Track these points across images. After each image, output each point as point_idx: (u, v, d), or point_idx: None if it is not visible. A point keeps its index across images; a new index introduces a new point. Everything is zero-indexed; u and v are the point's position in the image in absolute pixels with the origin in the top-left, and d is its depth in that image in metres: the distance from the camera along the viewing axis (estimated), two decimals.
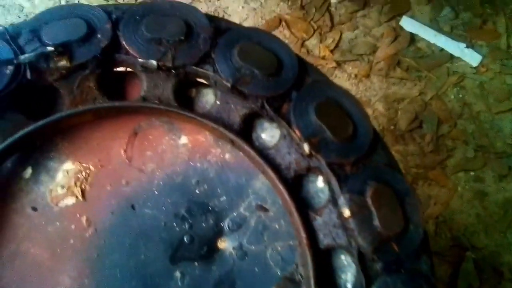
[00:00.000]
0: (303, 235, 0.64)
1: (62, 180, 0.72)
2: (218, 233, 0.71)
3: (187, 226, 0.71)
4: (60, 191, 0.71)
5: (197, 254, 0.70)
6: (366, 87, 1.69)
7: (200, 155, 0.74)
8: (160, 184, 0.73)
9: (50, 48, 0.67)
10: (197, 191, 0.72)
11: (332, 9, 1.80)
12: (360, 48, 1.73)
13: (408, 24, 1.78)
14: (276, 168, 0.68)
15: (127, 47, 0.70)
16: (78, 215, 0.71)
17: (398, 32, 1.78)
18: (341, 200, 0.64)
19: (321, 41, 1.73)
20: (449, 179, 1.66)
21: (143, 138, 0.75)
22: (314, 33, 1.73)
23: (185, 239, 0.71)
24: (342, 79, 1.66)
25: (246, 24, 1.75)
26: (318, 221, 0.66)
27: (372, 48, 1.75)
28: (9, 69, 0.68)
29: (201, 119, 0.69)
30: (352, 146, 0.67)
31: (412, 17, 1.80)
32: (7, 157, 0.69)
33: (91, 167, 0.73)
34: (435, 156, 1.66)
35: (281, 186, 0.66)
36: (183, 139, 0.74)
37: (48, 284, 0.68)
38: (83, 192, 0.72)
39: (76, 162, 0.73)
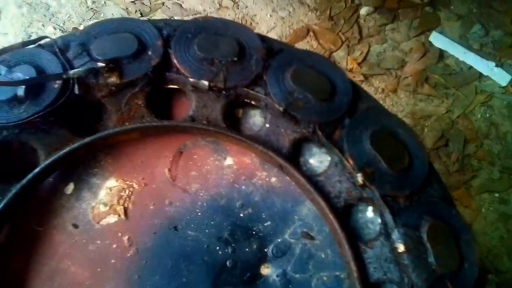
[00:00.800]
0: (354, 267, 0.62)
1: (104, 198, 0.70)
2: (262, 258, 0.69)
3: (230, 250, 0.70)
4: (102, 208, 0.70)
5: (239, 279, 0.68)
6: (393, 102, 1.66)
7: (245, 178, 0.72)
8: (203, 205, 0.71)
9: (101, 64, 0.66)
10: (241, 215, 0.71)
11: (361, 21, 1.78)
12: (388, 62, 1.71)
13: (437, 40, 1.76)
14: (325, 196, 0.66)
15: (178, 66, 0.68)
16: (119, 234, 0.69)
17: (427, 47, 1.75)
18: (395, 234, 0.62)
19: (348, 54, 1.71)
20: (473, 200, 1.63)
21: (188, 157, 0.73)
22: (342, 45, 1.71)
23: (227, 263, 0.69)
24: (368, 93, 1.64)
25: (273, 32, 1.73)
26: (369, 253, 0.64)
27: (400, 62, 1.72)
28: (58, 83, 0.67)
29: (251, 143, 0.67)
30: (407, 178, 0.65)
31: (441, 33, 1.77)
32: (51, 172, 0.68)
33: (134, 185, 0.71)
34: (460, 176, 1.64)
35: (330, 215, 0.64)
36: (229, 160, 0.73)
37: None
38: (125, 211, 0.70)
39: (119, 180, 0.71)
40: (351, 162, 0.65)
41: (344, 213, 0.67)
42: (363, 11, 1.79)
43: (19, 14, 1.80)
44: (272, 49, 0.71)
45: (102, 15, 1.78)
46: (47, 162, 0.66)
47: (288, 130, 0.68)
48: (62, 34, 1.76)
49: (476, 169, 1.65)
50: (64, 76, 0.66)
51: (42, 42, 0.71)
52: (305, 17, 1.77)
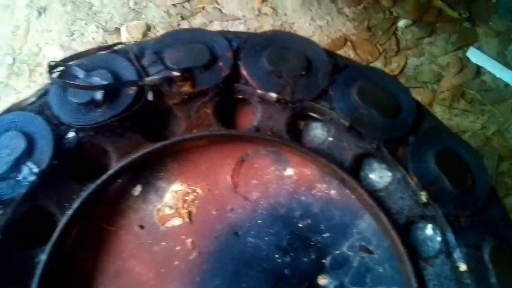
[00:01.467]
0: (414, 284, 0.64)
1: (170, 201, 0.73)
2: (319, 269, 0.71)
3: (288, 258, 0.71)
4: (167, 211, 0.73)
5: None
6: None
7: (305, 189, 0.74)
8: (263, 213, 0.73)
9: (176, 73, 0.69)
10: (300, 225, 0.73)
11: (399, 33, 1.79)
12: (425, 76, 1.71)
13: (474, 55, 1.75)
14: (387, 211, 0.68)
15: (247, 78, 0.71)
16: (183, 237, 0.72)
17: (464, 63, 1.75)
18: (457, 253, 0.63)
19: (385, 65, 1.71)
20: None
21: (250, 166, 0.75)
22: (379, 56, 1.71)
23: (285, 271, 0.71)
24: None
25: None
26: (429, 270, 0.65)
27: (437, 76, 1.73)
28: (133, 89, 0.69)
29: (314, 155, 0.69)
30: (469, 198, 0.66)
31: (479, 48, 1.77)
32: (122, 174, 0.71)
33: (198, 190, 0.74)
34: None
35: (392, 231, 0.66)
36: (289, 171, 0.75)
37: None
38: (190, 214, 0.73)
39: (184, 184, 0.74)
40: (415, 180, 0.66)
41: (405, 230, 0.68)
42: (401, 23, 1.80)
43: (63, 12, 1.85)
44: (338, 65, 0.73)
45: (143, 16, 1.82)
46: (120, 165, 0.69)
47: (352, 145, 0.70)
48: (104, 33, 1.81)
49: (509, 187, 1.64)
50: (141, 83, 0.68)
51: (116, 47, 0.74)
52: (343, 27, 1.79)
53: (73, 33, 1.82)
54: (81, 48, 1.77)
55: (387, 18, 1.81)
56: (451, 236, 0.64)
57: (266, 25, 1.77)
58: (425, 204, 0.66)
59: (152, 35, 1.77)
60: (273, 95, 0.70)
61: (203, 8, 1.82)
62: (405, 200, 0.68)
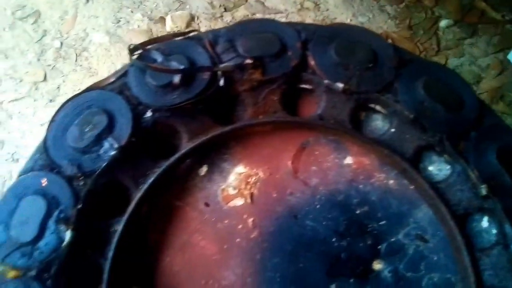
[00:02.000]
0: (471, 272, 0.66)
1: (233, 182, 0.77)
2: (375, 255, 0.74)
3: (345, 243, 0.74)
4: (231, 191, 0.76)
5: (352, 271, 0.73)
6: None
7: (363, 177, 0.77)
8: (322, 199, 0.76)
9: (248, 61, 0.72)
10: (358, 212, 0.76)
11: (440, 33, 1.78)
12: (465, 76, 1.70)
13: None
14: (445, 202, 0.70)
15: (315, 68, 0.74)
16: (245, 216, 0.75)
17: (504, 65, 1.74)
18: None
19: None
20: None
21: (310, 153, 0.78)
22: (419, 54, 1.72)
23: (342, 255, 0.74)
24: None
25: None
26: (485, 260, 0.68)
27: (476, 77, 1.72)
28: (207, 75, 0.73)
29: (377, 146, 0.72)
30: None
31: None
32: (192, 155, 0.75)
33: (260, 173, 0.77)
34: None
35: (450, 222, 0.68)
36: (348, 159, 0.78)
37: (215, 277, 0.73)
38: (252, 196, 0.76)
39: (247, 167, 0.77)
40: (476, 173, 0.68)
41: (462, 221, 0.70)
42: (442, 23, 1.80)
43: None
44: (403, 59, 0.75)
45: (187, 6, 1.86)
46: (191, 145, 0.73)
47: (414, 137, 0.73)
48: (149, 21, 1.86)
49: None
50: (215, 69, 0.72)
51: (191, 34, 0.78)
52: (384, 24, 1.79)
53: (119, 20, 1.87)
54: (126, 36, 1.83)
55: (429, 18, 1.81)
56: (509, 229, 0.67)
57: (308, 19, 1.79)
58: (484, 197, 0.68)
59: (195, 25, 1.81)
60: (340, 85, 0.72)
61: (246, 0, 1.85)
62: (464, 192, 0.70)
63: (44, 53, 1.85)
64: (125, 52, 1.70)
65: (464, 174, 0.70)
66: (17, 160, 1.70)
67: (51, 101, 1.79)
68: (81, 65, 1.85)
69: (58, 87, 1.81)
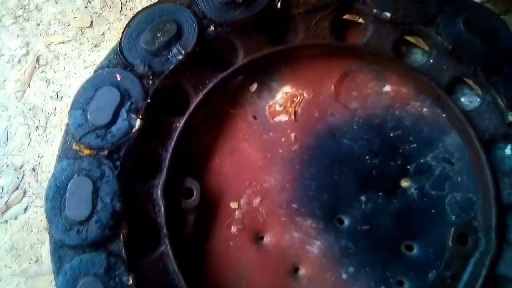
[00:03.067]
0: (492, 189, 0.73)
1: (280, 100, 0.85)
2: (403, 173, 0.81)
3: (377, 161, 0.82)
4: (277, 108, 0.85)
5: (382, 186, 0.81)
6: None
7: (399, 104, 0.84)
8: (360, 121, 0.84)
9: None
10: (391, 135, 0.83)
11: None
12: None
13: None
14: (474, 128, 0.77)
15: None
16: (288, 131, 0.84)
17: None
18: None
19: None
20: None
21: (352, 80, 0.86)
22: None
23: (373, 172, 0.82)
24: None
25: None
26: (505, 181, 0.75)
27: None
28: None
29: (416, 74, 0.79)
30: None
31: None
32: (245, 70, 0.83)
33: (305, 94, 0.85)
34: None
35: (477, 145, 0.75)
36: (387, 88, 0.85)
37: (257, 179, 0.81)
38: (295, 113, 0.84)
39: (294, 88, 0.85)
40: (505, 101, 0.75)
41: (487, 146, 0.77)
42: None
43: None
44: None
45: None
46: (246, 60, 0.81)
47: (450, 68, 0.79)
48: None
49: None
50: None
51: None
52: None
53: None
54: None
55: None
56: None
57: None
58: (510, 124, 0.75)
59: None
60: (388, 14, 0.79)
61: None
62: (491, 120, 0.77)
63: (91, 1, 1.95)
64: None
65: (493, 103, 0.77)
66: (61, 98, 1.80)
67: (95, 46, 1.89)
68: (125, 15, 1.94)
69: (103, 34, 1.90)
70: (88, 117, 0.74)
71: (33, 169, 1.35)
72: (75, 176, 0.71)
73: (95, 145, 0.73)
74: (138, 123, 0.74)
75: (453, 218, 0.78)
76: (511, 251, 0.71)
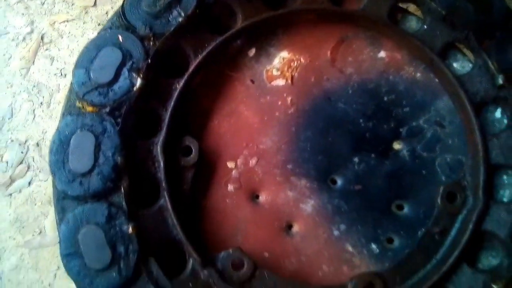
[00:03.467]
0: (481, 149, 0.76)
1: (277, 64, 0.87)
2: (396, 136, 0.84)
3: (370, 124, 0.84)
4: (275, 72, 0.87)
5: (375, 149, 0.83)
6: None
7: (394, 70, 0.86)
8: (354, 86, 0.86)
9: None
10: (385, 99, 0.85)
11: None
12: None
13: None
14: (465, 91, 0.79)
15: None
16: (285, 95, 0.86)
17: None
18: None
19: None
20: None
21: (348, 46, 0.88)
22: None
23: (367, 135, 0.84)
24: None
25: None
26: (494, 142, 0.77)
27: None
28: None
29: (410, 38, 0.81)
30: None
31: None
32: (243, 34, 0.85)
33: (302, 59, 0.87)
34: None
35: (468, 107, 0.78)
36: (382, 53, 0.87)
37: (254, 141, 0.84)
38: (292, 78, 0.87)
39: (291, 53, 0.88)
40: (495, 65, 0.77)
41: (478, 109, 0.79)
42: None
43: None
44: None
45: None
46: (244, 24, 0.83)
47: (444, 33, 0.81)
48: None
49: None
50: None
51: None
52: None
53: None
54: None
55: None
56: None
57: None
58: (500, 86, 0.77)
59: None
60: None
61: None
62: (482, 83, 0.79)
63: None
64: None
65: (484, 67, 0.79)
66: (65, 75, 1.83)
67: (99, 25, 1.91)
68: None
69: (106, 13, 1.92)
70: (91, 75, 0.77)
71: (37, 144, 1.38)
72: (78, 131, 0.74)
73: (98, 102, 0.76)
74: (139, 82, 0.76)
75: (443, 179, 0.81)
76: (497, 208, 0.74)
